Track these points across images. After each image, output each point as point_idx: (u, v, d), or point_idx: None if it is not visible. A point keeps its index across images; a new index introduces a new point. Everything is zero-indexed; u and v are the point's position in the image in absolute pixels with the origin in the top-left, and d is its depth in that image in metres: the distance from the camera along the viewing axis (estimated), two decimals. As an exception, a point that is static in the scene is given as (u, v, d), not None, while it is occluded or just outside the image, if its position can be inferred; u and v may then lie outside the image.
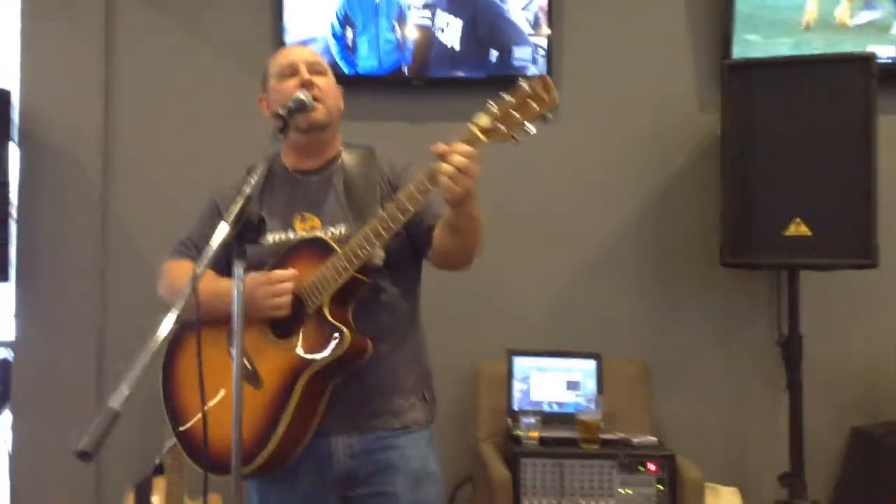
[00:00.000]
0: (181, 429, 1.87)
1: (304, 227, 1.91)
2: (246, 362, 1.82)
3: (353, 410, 1.85)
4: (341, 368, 1.79)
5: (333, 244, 1.79)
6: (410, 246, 1.91)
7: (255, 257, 1.86)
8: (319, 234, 1.89)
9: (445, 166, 1.59)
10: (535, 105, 1.59)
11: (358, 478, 1.87)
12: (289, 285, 1.78)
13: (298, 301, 1.81)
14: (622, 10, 3.44)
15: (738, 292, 3.37)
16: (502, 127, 1.61)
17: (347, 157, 1.99)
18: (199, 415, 1.77)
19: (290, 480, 1.86)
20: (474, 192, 1.65)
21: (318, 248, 1.82)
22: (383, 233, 1.72)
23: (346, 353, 1.75)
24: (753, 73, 3.01)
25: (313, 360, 1.76)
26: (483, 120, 1.62)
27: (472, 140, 1.62)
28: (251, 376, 1.82)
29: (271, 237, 1.91)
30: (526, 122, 1.60)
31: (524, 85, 1.60)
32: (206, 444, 1.59)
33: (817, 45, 3.24)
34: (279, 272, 1.80)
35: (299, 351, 1.78)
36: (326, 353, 1.75)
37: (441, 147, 1.61)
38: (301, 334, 1.80)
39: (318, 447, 1.84)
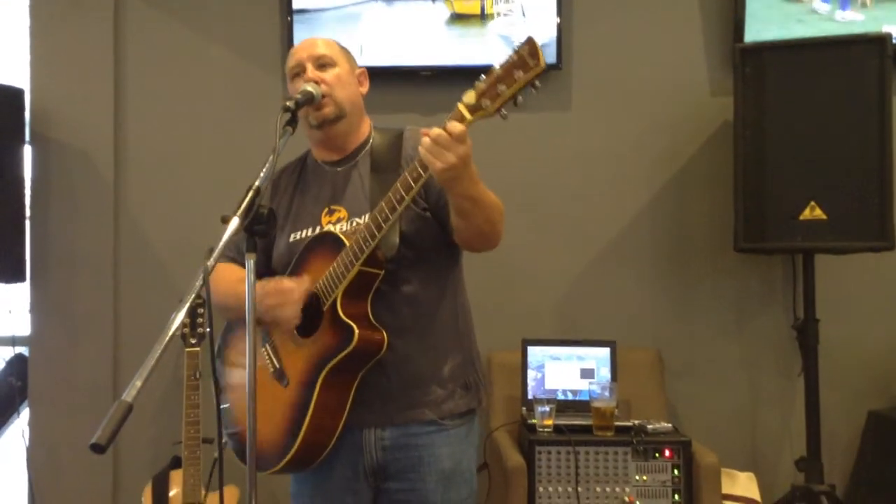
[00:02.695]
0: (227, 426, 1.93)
1: (331, 220, 1.88)
2: (275, 361, 1.85)
3: (386, 403, 1.84)
4: (360, 362, 1.78)
5: (343, 238, 1.78)
6: (438, 229, 1.86)
7: (282, 257, 1.91)
8: (345, 225, 1.86)
9: (423, 140, 1.58)
10: (520, 73, 1.54)
11: (389, 472, 1.86)
12: (296, 295, 1.77)
13: (317, 298, 1.81)
14: (632, -4, 3.42)
15: (753, 277, 3.35)
16: (487, 101, 1.57)
17: (377, 143, 1.94)
18: (243, 411, 1.80)
19: (325, 470, 1.87)
20: (465, 173, 1.61)
21: (330, 243, 1.81)
22: (383, 224, 1.70)
23: (356, 349, 1.73)
24: (766, 57, 2.98)
25: (328, 358, 1.76)
26: (469, 97, 1.59)
27: (459, 119, 1.59)
28: (280, 375, 1.85)
29: (300, 233, 1.90)
30: (513, 95, 1.56)
31: (511, 54, 1.55)
32: (220, 433, 1.60)
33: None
34: (286, 284, 1.78)
35: (316, 348, 1.79)
36: (338, 350, 1.74)
37: (427, 130, 1.59)
38: (319, 331, 1.80)
39: (352, 438, 1.84)
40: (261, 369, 1.82)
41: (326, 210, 1.90)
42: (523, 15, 3.29)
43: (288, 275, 1.87)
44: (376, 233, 1.70)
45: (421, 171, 1.64)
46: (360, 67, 2.01)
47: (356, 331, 1.73)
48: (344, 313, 1.75)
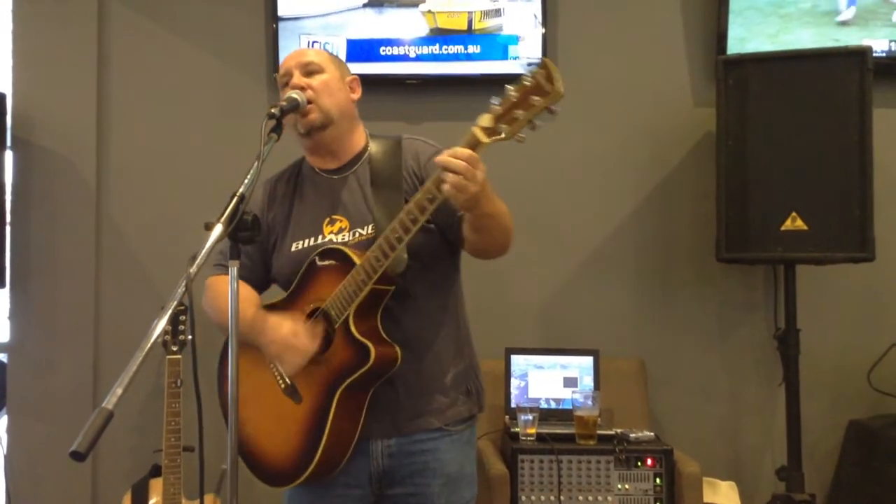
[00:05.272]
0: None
1: (333, 230, 1.87)
2: (287, 379, 1.85)
3: (392, 414, 1.84)
4: (375, 378, 1.79)
5: (353, 256, 1.76)
6: (443, 240, 1.85)
7: (284, 266, 1.91)
8: (347, 235, 1.85)
9: (448, 175, 1.56)
10: (538, 99, 1.50)
11: (394, 478, 1.86)
12: (302, 362, 1.78)
13: (327, 315, 1.80)
14: (617, 7, 3.43)
15: (735, 287, 3.37)
16: (505, 126, 1.55)
17: (374, 151, 1.93)
18: (254, 428, 1.89)
19: (327, 482, 1.86)
20: (483, 195, 1.62)
21: (339, 260, 1.79)
22: (397, 244, 1.69)
23: (373, 367, 1.75)
24: (748, 69, 3.01)
25: (344, 376, 1.76)
26: (485, 120, 1.57)
27: (474, 143, 1.58)
28: (292, 392, 1.84)
29: (302, 243, 1.89)
30: (530, 120, 1.53)
31: (527, 77, 1.52)
32: (201, 441, 1.58)
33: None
34: (306, 347, 1.78)
35: (331, 366, 1.79)
36: (355, 369, 1.75)
37: (442, 157, 1.58)
38: (332, 350, 1.80)
39: (359, 447, 1.83)
40: (270, 386, 1.86)
41: (328, 220, 1.89)
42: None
43: (294, 288, 1.87)
44: (389, 252, 1.69)
45: (436, 194, 1.62)
46: (353, 75, 2.00)
47: (373, 350, 1.74)
48: (357, 331, 1.75)
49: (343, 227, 1.87)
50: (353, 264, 1.76)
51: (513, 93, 1.53)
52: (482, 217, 1.69)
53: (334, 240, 1.85)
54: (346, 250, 1.79)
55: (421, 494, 1.85)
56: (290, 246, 1.90)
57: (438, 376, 1.88)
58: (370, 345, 1.74)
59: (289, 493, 1.95)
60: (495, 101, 1.56)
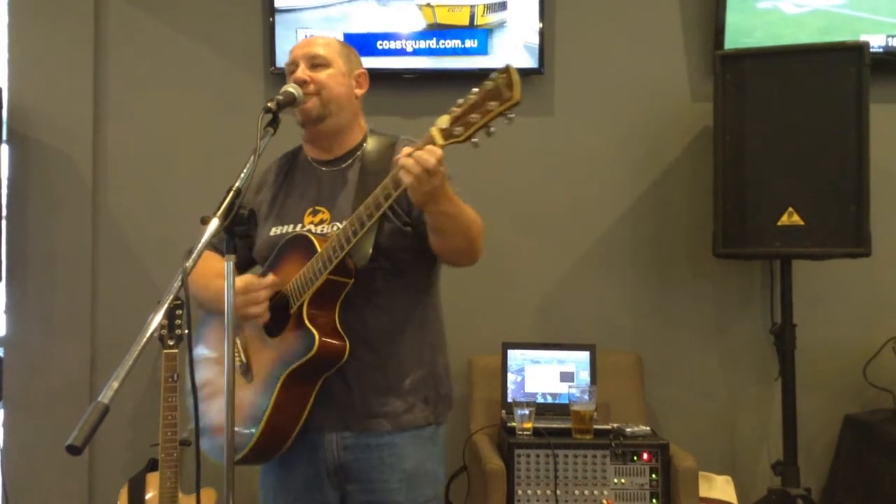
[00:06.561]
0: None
1: (314, 221, 1.87)
2: (243, 356, 1.86)
3: (344, 411, 1.82)
4: (320, 369, 1.77)
5: (317, 244, 1.76)
6: (420, 245, 1.82)
7: (262, 250, 1.93)
8: (327, 228, 1.85)
9: (404, 168, 1.57)
10: (494, 103, 1.50)
11: (351, 473, 1.84)
12: (264, 294, 1.78)
13: (286, 300, 1.80)
14: (614, 1, 3.43)
15: (732, 282, 3.38)
16: (459, 129, 1.54)
17: (369, 149, 1.92)
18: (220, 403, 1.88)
19: (286, 468, 1.87)
20: (441, 193, 1.61)
21: (304, 246, 1.80)
22: (352, 237, 1.68)
23: (315, 356, 1.72)
24: (746, 64, 3.01)
25: (288, 362, 1.76)
26: (443, 121, 1.57)
27: (432, 144, 1.58)
28: (245, 370, 1.85)
29: (281, 228, 1.90)
30: (485, 125, 1.52)
31: (488, 81, 1.52)
32: (198, 435, 1.58)
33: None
34: (255, 280, 1.79)
35: (280, 351, 1.78)
36: (299, 356, 1.74)
37: (402, 155, 1.59)
38: (284, 334, 1.80)
39: (311, 440, 1.83)
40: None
41: (311, 210, 1.89)
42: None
43: (264, 270, 1.89)
44: (345, 244, 1.69)
45: (392, 191, 1.63)
46: (361, 69, 1.98)
47: (317, 339, 1.72)
48: (309, 319, 1.74)
49: (324, 218, 1.87)
50: (315, 252, 1.75)
51: (472, 96, 1.54)
52: (439, 215, 1.67)
53: (313, 230, 1.85)
54: (312, 237, 1.79)
55: (379, 491, 1.82)
56: (270, 229, 1.91)
57: (397, 379, 1.85)
58: (316, 333, 1.72)
59: (261, 474, 1.96)
60: (457, 103, 1.56)
